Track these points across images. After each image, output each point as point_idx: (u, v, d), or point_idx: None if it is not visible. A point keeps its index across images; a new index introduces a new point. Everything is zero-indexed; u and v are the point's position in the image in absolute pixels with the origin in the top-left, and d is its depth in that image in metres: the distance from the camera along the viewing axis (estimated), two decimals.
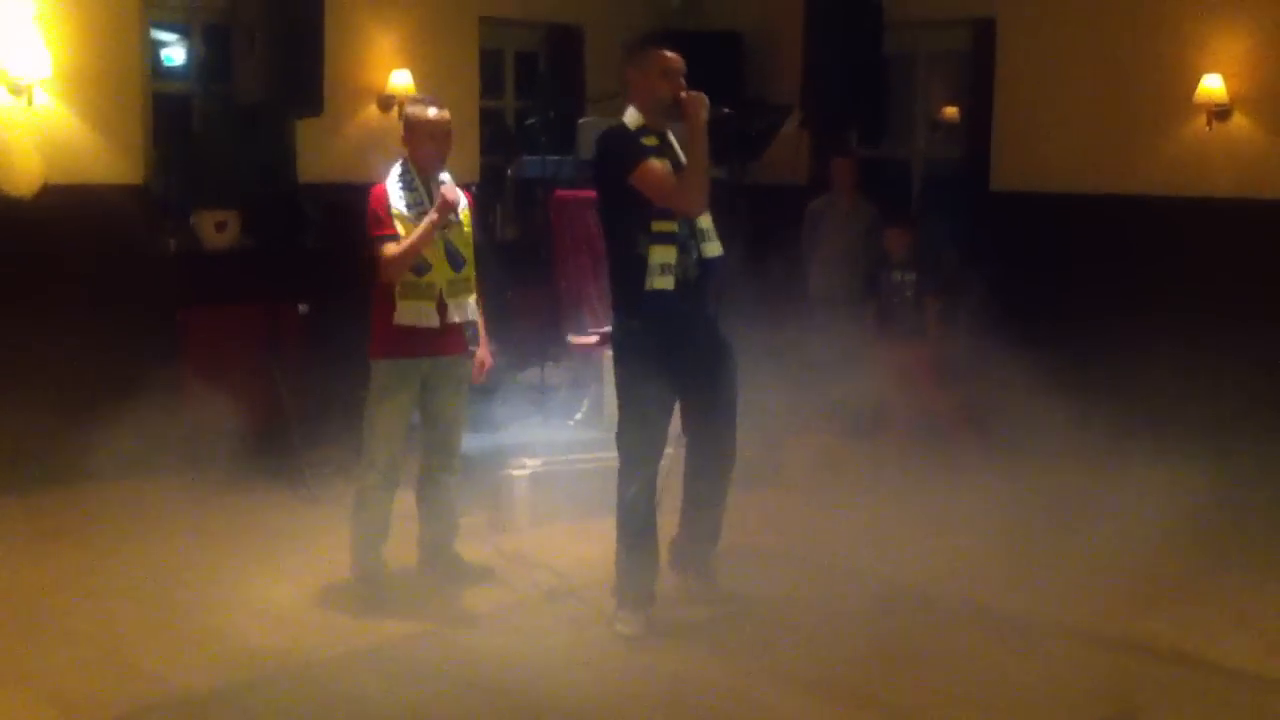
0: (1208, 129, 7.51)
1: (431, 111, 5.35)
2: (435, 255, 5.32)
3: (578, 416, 7.17)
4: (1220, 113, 7.45)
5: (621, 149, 5.04)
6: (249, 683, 4.59)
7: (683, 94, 5.05)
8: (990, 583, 5.62)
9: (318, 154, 8.09)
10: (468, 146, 8.87)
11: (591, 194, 7.32)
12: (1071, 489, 6.63)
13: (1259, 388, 6.77)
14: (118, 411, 6.89)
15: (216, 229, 7.62)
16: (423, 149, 5.35)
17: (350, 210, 7.75)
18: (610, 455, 6.65)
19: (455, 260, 5.38)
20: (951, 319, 7.68)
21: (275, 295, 7.34)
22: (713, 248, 5.15)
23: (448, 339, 5.41)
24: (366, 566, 5.49)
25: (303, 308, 7.64)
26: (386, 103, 8.33)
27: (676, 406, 5.27)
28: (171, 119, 7.93)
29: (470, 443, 6.54)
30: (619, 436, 5.22)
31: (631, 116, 5.12)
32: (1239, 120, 7.44)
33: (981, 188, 8.54)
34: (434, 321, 5.30)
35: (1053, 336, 7.19)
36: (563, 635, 5.08)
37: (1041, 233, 8.12)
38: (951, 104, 9.48)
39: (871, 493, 6.85)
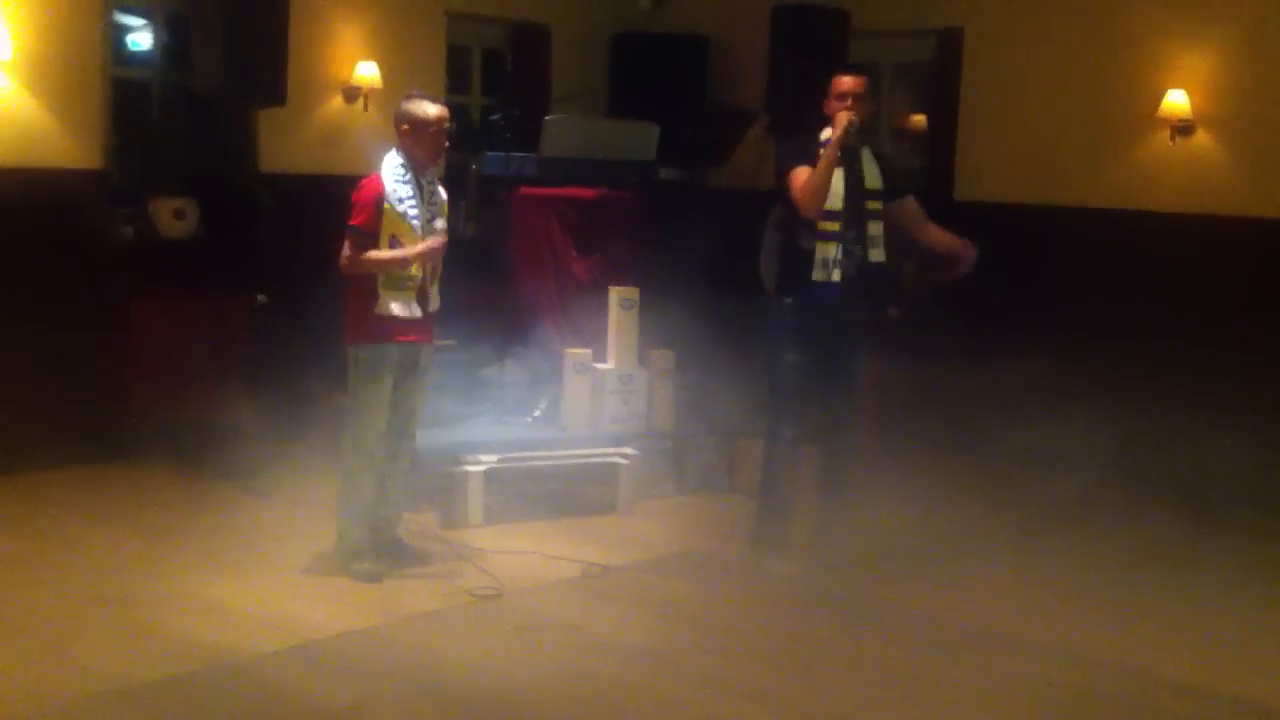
0: (1171, 144, 7.54)
1: (433, 109, 5.45)
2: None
3: (535, 414, 7.13)
4: (1183, 128, 7.48)
5: (787, 152, 5.80)
6: (188, 677, 4.52)
7: (840, 112, 5.66)
8: (933, 590, 5.61)
9: (280, 144, 8.02)
10: None
11: (555, 191, 7.38)
12: (1019, 497, 6.66)
13: (1211, 400, 6.82)
14: (65, 400, 6.83)
15: (175, 217, 7.53)
16: (422, 146, 5.43)
17: (312, 202, 7.76)
18: (567, 454, 6.68)
19: None
20: (909, 329, 7.67)
21: (231, 286, 7.26)
22: (876, 254, 5.75)
23: (422, 327, 5.50)
24: (353, 546, 5.54)
25: (261, 298, 7.57)
26: (351, 94, 8.27)
27: None
28: (131, 105, 7.84)
29: (424, 437, 6.49)
30: (767, 399, 5.97)
31: (826, 129, 5.74)
32: (1201, 136, 7.47)
33: (945, 197, 8.54)
34: (416, 313, 5.44)
35: (1009, 346, 7.19)
36: (509, 637, 5.02)
37: (1003, 243, 8.08)
38: (917, 114, 9.48)
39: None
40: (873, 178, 5.78)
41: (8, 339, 6.78)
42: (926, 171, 8.85)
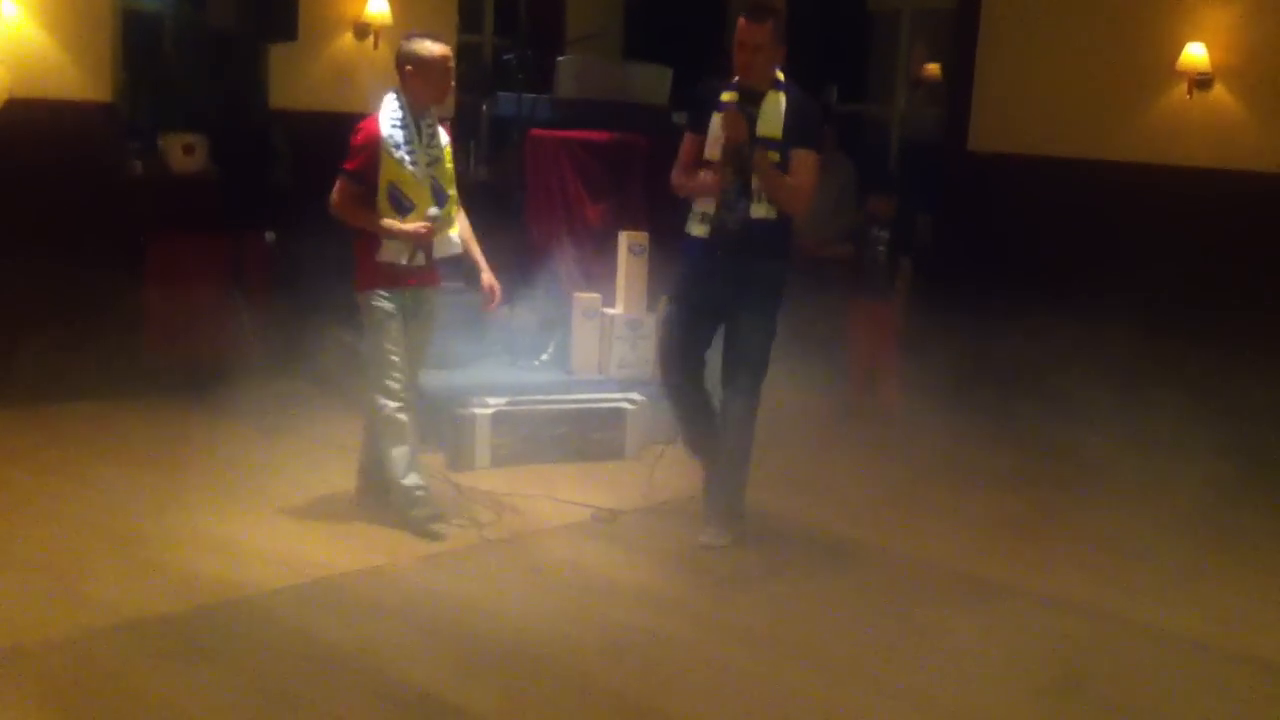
0: (1188, 97, 7.47)
1: (437, 48, 5.29)
2: (419, 194, 5.28)
3: (544, 357, 7.13)
4: (1201, 82, 7.41)
5: (688, 109, 5.58)
6: (195, 613, 4.54)
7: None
8: (952, 545, 5.62)
9: (290, 81, 7.97)
10: None
11: (567, 133, 7.33)
12: (1033, 456, 6.65)
13: (1225, 357, 6.79)
14: (76, 334, 6.82)
15: (184, 152, 7.50)
16: (427, 87, 5.28)
17: (322, 139, 7.71)
18: (575, 398, 6.69)
19: (440, 197, 5.35)
20: (921, 280, 7.67)
21: (241, 223, 7.25)
22: (760, 209, 5.26)
23: (427, 272, 5.44)
24: (409, 496, 5.45)
25: (270, 235, 7.56)
26: (362, 31, 8.20)
27: None
28: (142, 39, 7.79)
29: (433, 379, 6.51)
30: None
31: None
32: (1219, 90, 7.40)
33: (959, 148, 8.48)
34: (419, 260, 5.34)
35: (1022, 299, 7.17)
36: (517, 579, 5.05)
37: (1017, 195, 8.09)
38: (935, 63, 9.41)
39: (839, 448, 6.83)
40: (770, 125, 5.22)
41: (21, 271, 6.77)
42: (942, 121, 8.79)
